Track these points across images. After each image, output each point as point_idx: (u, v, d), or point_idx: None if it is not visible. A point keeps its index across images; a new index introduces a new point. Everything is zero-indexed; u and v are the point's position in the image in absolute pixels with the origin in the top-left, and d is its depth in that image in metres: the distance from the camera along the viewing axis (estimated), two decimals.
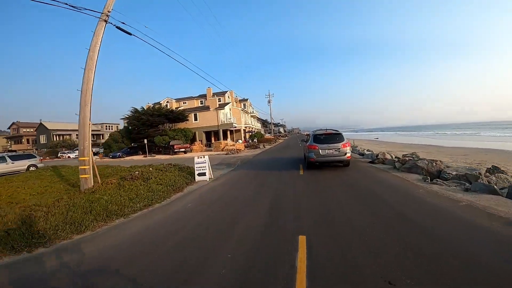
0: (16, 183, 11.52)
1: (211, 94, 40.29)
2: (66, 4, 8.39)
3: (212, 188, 9.01)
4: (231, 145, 27.16)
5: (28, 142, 57.16)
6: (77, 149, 35.10)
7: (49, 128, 50.59)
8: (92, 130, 58.37)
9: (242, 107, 48.55)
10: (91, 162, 8.78)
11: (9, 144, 57.98)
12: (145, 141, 27.49)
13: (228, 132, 39.26)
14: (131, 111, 32.85)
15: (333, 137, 10.37)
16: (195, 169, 10.65)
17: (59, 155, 41.36)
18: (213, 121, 36.04)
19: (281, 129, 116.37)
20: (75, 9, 8.55)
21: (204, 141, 36.79)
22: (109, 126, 62.48)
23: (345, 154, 10.02)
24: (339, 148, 9.99)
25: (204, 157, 10.60)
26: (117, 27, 9.67)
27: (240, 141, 35.98)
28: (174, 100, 42.42)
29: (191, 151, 28.99)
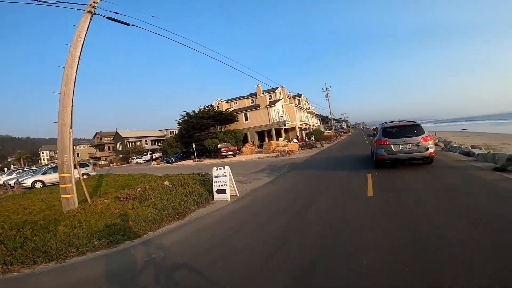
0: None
1: (261, 92, 37.45)
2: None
3: (225, 217, 5.81)
4: (282, 146, 23.55)
5: (109, 150, 65.92)
6: (145, 154, 36.62)
7: (122, 136, 56.78)
8: (157, 136, 63.47)
9: (296, 103, 44.17)
10: (73, 179, 6.63)
11: (95, 152, 68.12)
12: (193, 145, 26.44)
13: (282, 131, 35.68)
14: (183, 115, 32.79)
15: (409, 129, 8.57)
16: (213, 184, 7.61)
17: (130, 160, 45.36)
18: (264, 120, 33.06)
19: (344, 125, 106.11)
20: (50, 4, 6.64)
21: (257, 142, 34.17)
22: (172, 132, 66.98)
23: (427, 149, 8.13)
24: (418, 143, 8.14)
25: (224, 168, 7.40)
26: (108, 17, 7.72)
27: (295, 140, 31.93)
28: (224, 101, 41.32)
29: (240, 153, 26.67)
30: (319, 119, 65.90)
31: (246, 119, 34.80)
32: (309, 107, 51.62)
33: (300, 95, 46.58)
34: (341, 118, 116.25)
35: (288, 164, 14.05)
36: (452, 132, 39.95)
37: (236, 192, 7.66)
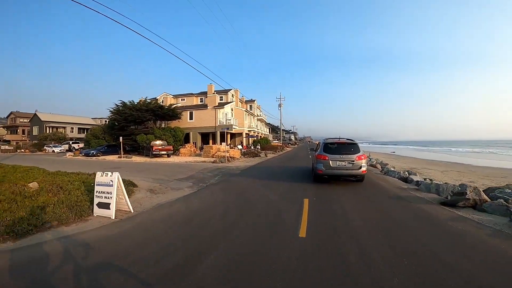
0: None
1: (213, 91, 35.42)
2: None
3: (80, 248, 3.62)
4: (223, 151, 21.88)
5: (23, 133, 54.48)
6: (66, 143, 30.33)
7: (42, 119, 47.33)
8: (88, 124, 54.83)
9: (248, 109, 43.38)
10: None
11: (5, 134, 55.47)
12: (121, 138, 22.68)
13: (228, 135, 34.08)
14: (117, 104, 28.35)
15: (347, 147, 8.95)
16: (95, 195, 5.43)
17: (44, 148, 37.57)
18: (210, 121, 31.00)
19: (292, 137, 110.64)
20: None
21: (199, 144, 31.73)
22: (107, 121, 58.89)
23: (360, 168, 8.63)
24: (353, 161, 8.61)
25: (110, 175, 5.30)
26: None
27: (239, 146, 30.64)
28: (171, 96, 37.82)
29: (178, 154, 23.98)
30: (269, 128, 66.62)
31: (191, 118, 32.17)
32: (260, 115, 51.47)
33: (253, 101, 45.95)
34: (290, 130, 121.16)
35: (222, 174, 12.40)
36: (383, 154, 43.68)
37: (129, 207, 5.60)
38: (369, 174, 11.21)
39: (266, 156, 24.73)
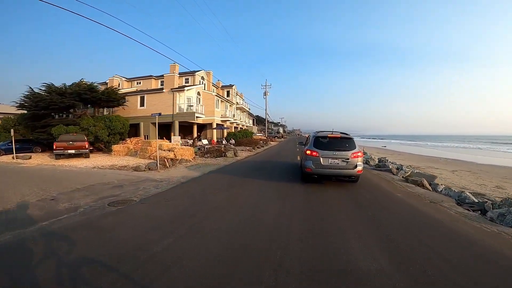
0: None
1: (175, 72, 28.09)
2: None
3: None
4: (167, 149, 14.86)
5: None
6: None
7: None
8: (9, 113, 45.99)
9: (225, 95, 36.16)
10: None
11: None
12: (12, 131, 15.20)
13: (195, 127, 26.99)
14: (40, 88, 20.50)
15: (341, 142, 7.61)
16: None
17: None
18: (168, 109, 23.74)
19: (281, 129, 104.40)
20: None
21: (153, 137, 24.55)
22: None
23: (355, 167, 7.35)
24: (348, 158, 7.32)
25: None
26: None
27: (204, 141, 23.52)
28: (124, 79, 30.20)
29: (110, 152, 16.83)
30: (253, 119, 59.65)
31: (142, 104, 24.80)
32: (242, 103, 44.25)
33: (231, 86, 38.59)
34: (279, 123, 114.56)
35: (101, 208, 5.53)
36: (374, 148, 41.50)
37: None
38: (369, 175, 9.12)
39: (236, 156, 17.72)
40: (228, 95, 37.83)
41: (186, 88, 24.00)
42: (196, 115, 23.57)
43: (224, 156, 17.11)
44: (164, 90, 23.92)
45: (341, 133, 8.10)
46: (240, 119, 42.57)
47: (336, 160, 7.39)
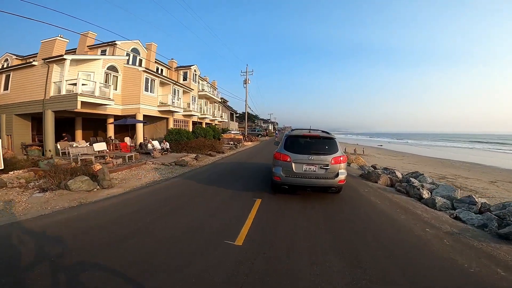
0: None
1: (86, 43, 18.50)
2: None
3: None
4: None
5: None
6: None
7: None
8: None
9: (177, 79, 26.32)
10: None
11: None
12: None
13: (110, 120, 17.48)
14: None
15: (320, 143, 5.98)
16: None
17: None
18: (39, 91, 14.12)
19: (270, 126, 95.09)
20: None
21: (30, 138, 14.99)
22: None
23: (336, 175, 5.67)
24: (327, 165, 5.67)
25: None
26: None
27: (98, 145, 13.92)
28: (15, 57, 20.41)
29: None
30: (231, 113, 50.00)
31: (6, 88, 15.10)
32: (211, 92, 34.53)
33: (189, 67, 28.72)
34: (269, 119, 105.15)
35: None
36: (370, 147, 36.37)
37: None
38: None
39: (101, 187, 8.18)
40: (185, 79, 28.16)
41: (74, 58, 14.23)
42: (94, 100, 13.92)
43: (65, 189, 7.53)
44: (35, 63, 14.20)
45: (321, 131, 6.55)
46: (208, 111, 32.85)
47: (313, 167, 5.79)
